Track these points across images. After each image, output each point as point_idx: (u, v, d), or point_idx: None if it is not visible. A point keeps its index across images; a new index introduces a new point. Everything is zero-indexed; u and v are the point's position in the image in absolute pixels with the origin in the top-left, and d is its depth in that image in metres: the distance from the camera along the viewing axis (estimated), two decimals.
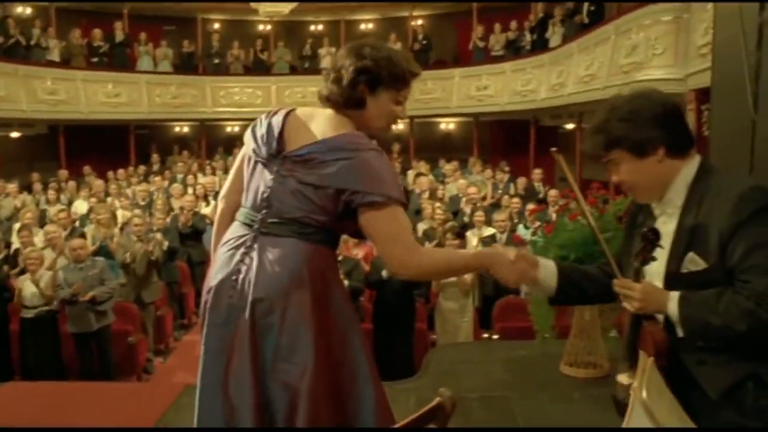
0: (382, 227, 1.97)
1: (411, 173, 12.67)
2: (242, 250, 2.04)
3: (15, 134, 14.48)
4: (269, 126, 2.09)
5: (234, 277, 2.01)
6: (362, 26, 17.60)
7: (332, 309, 2.02)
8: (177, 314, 8.18)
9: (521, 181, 10.97)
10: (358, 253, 6.96)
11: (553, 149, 2.25)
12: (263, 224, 2.04)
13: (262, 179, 2.06)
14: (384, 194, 1.93)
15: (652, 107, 1.93)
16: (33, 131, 14.77)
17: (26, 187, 11.52)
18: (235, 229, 2.12)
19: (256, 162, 2.10)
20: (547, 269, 2.25)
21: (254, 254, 2.01)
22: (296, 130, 2.07)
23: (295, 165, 2.01)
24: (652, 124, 1.91)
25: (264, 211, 2.04)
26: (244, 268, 2.01)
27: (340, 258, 6.08)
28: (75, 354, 6.12)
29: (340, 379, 1.99)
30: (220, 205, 2.29)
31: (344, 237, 6.21)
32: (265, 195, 2.04)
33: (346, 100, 2.06)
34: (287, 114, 2.11)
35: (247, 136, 2.15)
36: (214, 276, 2.08)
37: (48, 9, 14.77)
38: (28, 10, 15.14)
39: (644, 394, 1.57)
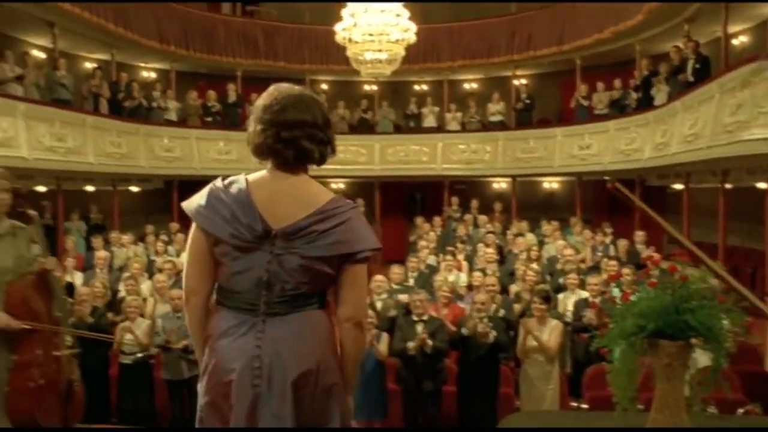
0: (364, 276, 2.09)
1: (510, 233, 12.53)
2: (253, 335, 1.99)
3: (134, 188, 15.44)
4: (240, 205, 2.00)
5: (256, 365, 1.97)
6: (465, 86, 17.81)
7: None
8: None
9: (622, 244, 10.59)
10: (445, 313, 6.91)
11: (607, 178, 2.19)
12: (268, 306, 2.00)
13: (255, 262, 1.99)
14: (372, 247, 2.03)
15: None
16: (150, 186, 15.73)
17: (141, 238, 12.19)
18: (230, 317, 2.03)
19: (235, 246, 2.00)
20: None
21: (269, 338, 1.98)
22: (270, 202, 2.02)
23: (291, 241, 1.98)
24: None
25: (265, 293, 1.99)
26: (264, 354, 1.97)
27: (425, 317, 6.07)
28: (168, 401, 6.35)
29: None
30: (195, 299, 2.09)
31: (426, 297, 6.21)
32: (264, 278, 1.99)
33: (322, 158, 2.14)
34: (246, 187, 2.04)
35: (206, 222, 2.02)
36: (225, 370, 1.98)
37: (169, 73, 15.83)
38: (152, 74, 16.29)
39: None
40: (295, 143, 2.04)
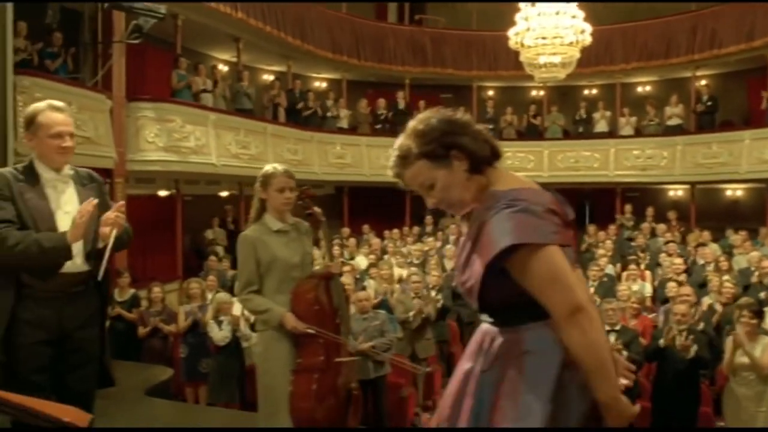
0: None
1: (690, 243, 11.80)
2: None
3: None
4: (561, 208, 1.95)
5: None
6: (639, 89, 17.02)
7: None
8: (444, 372, 8.32)
9: None
10: (634, 324, 6.58)
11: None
12: None
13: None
14: None
15: None
16: (322, 192, 16.27)
17: (315, 243, 12.60)
18: None
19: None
20: None
21: None
22: None
23: None
24: None
25: None
26: None
27: (618, 327, 5.80)
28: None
29: None
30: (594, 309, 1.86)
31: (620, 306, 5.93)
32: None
33: None
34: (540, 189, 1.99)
35: (563, 239, 1.87)
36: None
37: (340, 82, 16.36)
38: (324, 84, 16.91)
39: None
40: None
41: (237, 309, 7.22)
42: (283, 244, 3.62)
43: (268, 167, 3.76)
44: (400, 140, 2.03)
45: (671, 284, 7.56)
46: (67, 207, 3.05)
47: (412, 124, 2.03)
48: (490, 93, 17.59)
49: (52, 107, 3.05)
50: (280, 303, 3.55)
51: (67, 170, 3.11)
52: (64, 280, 3.00)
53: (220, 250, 12.04)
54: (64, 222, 2.99)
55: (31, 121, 3.04)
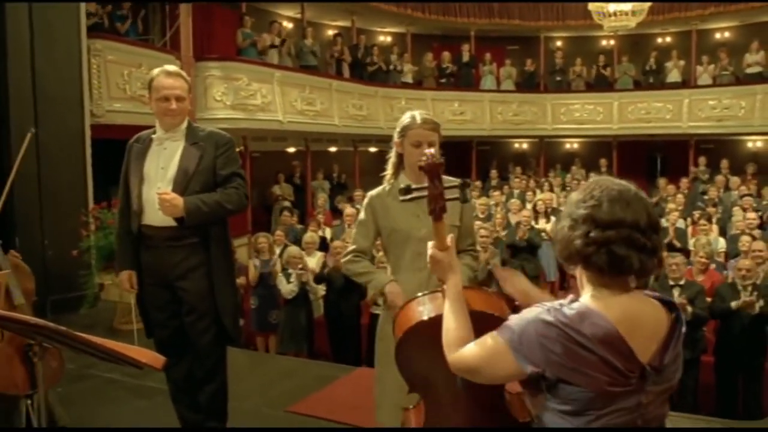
0: None
1: (767, 196, 11.39)
2: None
3: (373, 149, 16.11)
4: (609, 346, 1.64)
5: None
6: (717, 35, 16.29)
7: None
8: None
9: None
10: (701, 279, 6.46)
11: None
12: None
13: (623, 406, 1.73)
14: None
15: None
16: (387, 147, 16.27)
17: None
18: None
19: (605, 395, 1.69)
20: None
21: None
22: (632, 332, 1.69)
23: (660, 374, 1.75)
24: None
25: None
26: None
27: (682, 282, 5.73)
28: None
29: None
30: None
31: (683, 260, 5.75)
32: (639, 423, 1.77)
33: (643, 269, 1.71)
34: (609, 323, 1.69)
35: (566, 373, 1.64)
36: None
37: (405, 36, 16.24)
38: (389, 38, 16.82)
39: None
40: (606, 247, 1.62)
41: (308, 262, 7.42)
42: (411, 212, 2.89)
43: (406, 116, 3.03)
44: None
45: (745, 238, 7.30)
46: (164, 163, 3.33)
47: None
48: (558, 44, 17.20)
49: (164, 72, 3.33)
50: (406, 282, 2.90)
51: (182, 129, 3.37)
52: (151, 232, 3.33)
53: (286, 204, 12.30)
54: (153, 176, 3.31)
55: (149, 86, 3.35)
